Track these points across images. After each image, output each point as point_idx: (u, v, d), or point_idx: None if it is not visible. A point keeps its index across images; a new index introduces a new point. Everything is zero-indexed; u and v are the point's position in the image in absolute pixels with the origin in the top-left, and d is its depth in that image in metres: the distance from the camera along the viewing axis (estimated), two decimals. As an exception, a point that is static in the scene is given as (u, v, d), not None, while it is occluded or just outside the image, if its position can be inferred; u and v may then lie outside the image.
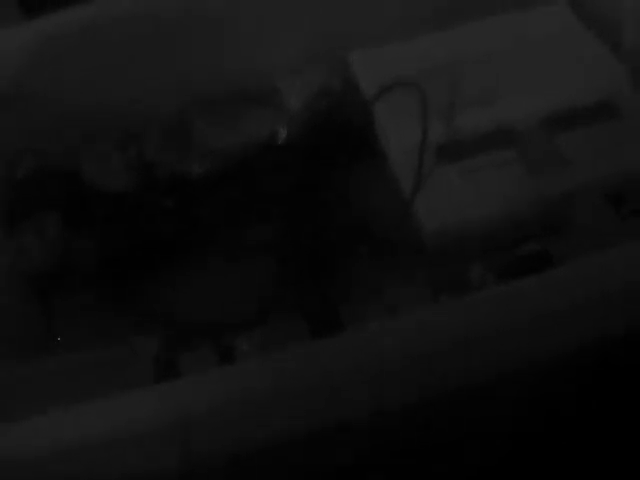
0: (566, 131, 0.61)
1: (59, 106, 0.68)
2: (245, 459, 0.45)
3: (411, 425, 0.48)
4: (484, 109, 0.63)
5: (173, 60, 0.69)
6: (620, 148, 0.59)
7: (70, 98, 0.68)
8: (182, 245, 0.61)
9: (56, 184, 0.66)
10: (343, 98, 0.68)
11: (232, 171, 0.65)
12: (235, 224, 0.62)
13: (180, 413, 0.43)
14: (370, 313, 0.52)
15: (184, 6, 0.68)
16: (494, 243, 0.55)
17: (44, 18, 0.67)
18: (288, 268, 0.59)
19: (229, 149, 0.66)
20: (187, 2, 0.68)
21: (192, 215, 0.63)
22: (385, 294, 0.53)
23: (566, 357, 0.46)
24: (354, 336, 0.45)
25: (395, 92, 0.63)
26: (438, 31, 0.69)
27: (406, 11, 0.70)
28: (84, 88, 0.68)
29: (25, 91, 0.67)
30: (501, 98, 0.63)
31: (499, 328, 0.44)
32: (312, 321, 0.52)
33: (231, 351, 0.51)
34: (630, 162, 0.57)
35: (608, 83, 0.63)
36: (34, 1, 0.74)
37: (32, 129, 0.67)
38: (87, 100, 0.69)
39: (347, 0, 0.70)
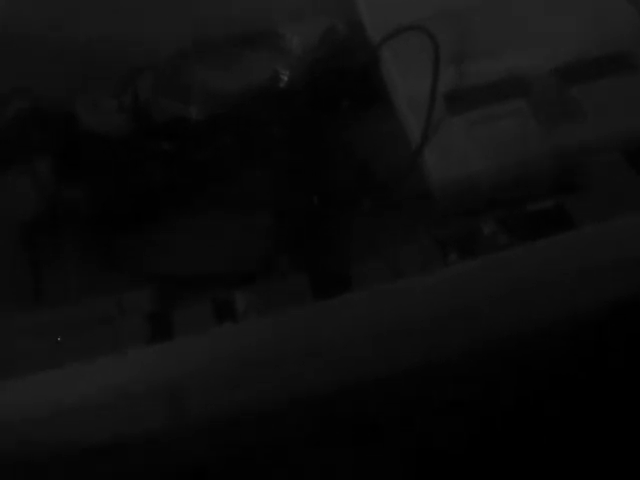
0: (580, 82, 0.58)
1: (53, 45, 0.66)
2: (238, 422, 0.44)
3: (413, 389, 0.47)
4: (495, 57, 0.60)
5: (172, 1, 0.66)
6: (638, 102, 0.56)
7: (65, 37, 0.66)
8: (177, 194, 0.59)
9: (48, 126, 0.63)
10: (348, 42, 0.66)
11: (232, 115, 0.63)
12: (233, 172, 0.60)
13: (175, 373, 0.42)
14: (373, 271, 0.50)
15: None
16: (505, 197, 0.53)
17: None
18: (287, 220, 0.57)
19: (229, 93, 0.64)
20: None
21: (189, 161, 0.61)
22: (388, 251, 0.51)
23: (580, 322, 0.45)
24: (358, 297, 0.44)
25: (403, 37, 0.61)
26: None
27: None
28: (80, 27, 0.66)
29: (17, 29, 0.65)
30: (513, 46, 0.61)
31: (515, 290, 0.42)
32: (316, 277, 0.50)
33: (229, 306, 0.49)
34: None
35: (625, 34, 0.61)
36: None
37: (25, 69, 0.65)
38: (82, 40, 0.66)
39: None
